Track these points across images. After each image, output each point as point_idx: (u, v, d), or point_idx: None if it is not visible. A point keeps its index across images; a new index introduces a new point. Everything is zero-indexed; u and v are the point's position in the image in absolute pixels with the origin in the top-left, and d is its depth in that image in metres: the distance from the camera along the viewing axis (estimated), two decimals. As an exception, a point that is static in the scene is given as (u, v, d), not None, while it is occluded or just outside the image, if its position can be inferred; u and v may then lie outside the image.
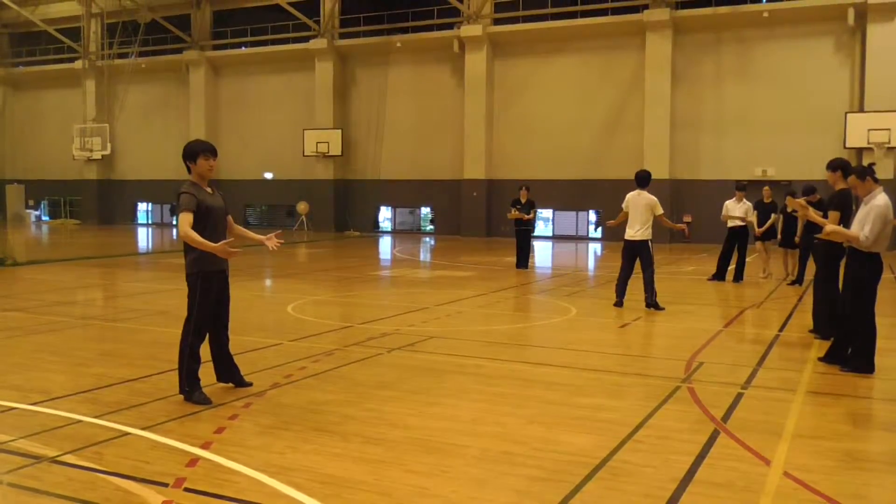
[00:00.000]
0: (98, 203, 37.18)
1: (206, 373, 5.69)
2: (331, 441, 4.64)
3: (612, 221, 11.08)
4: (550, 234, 28.95)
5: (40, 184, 38.19)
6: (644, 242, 10.29)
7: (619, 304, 10.55)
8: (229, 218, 5.77)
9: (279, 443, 4.59)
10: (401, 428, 4.92)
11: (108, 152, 36.52)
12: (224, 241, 5.30)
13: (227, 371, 5.83)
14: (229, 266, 5.70)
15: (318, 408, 5.37)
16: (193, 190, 5.42)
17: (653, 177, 10.95)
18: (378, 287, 13.79)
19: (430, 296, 11.83)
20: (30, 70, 39.42)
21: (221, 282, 5.63)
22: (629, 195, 10.47)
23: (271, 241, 5.66)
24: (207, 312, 5.53)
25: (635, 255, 10.40)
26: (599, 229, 28.29)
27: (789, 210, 13.10)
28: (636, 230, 10.30)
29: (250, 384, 5.86)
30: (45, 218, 38.94)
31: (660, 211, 10.28)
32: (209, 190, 5.56)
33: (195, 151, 5.49)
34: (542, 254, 22.28)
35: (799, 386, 6.17)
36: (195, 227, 5.29)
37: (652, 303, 10.30)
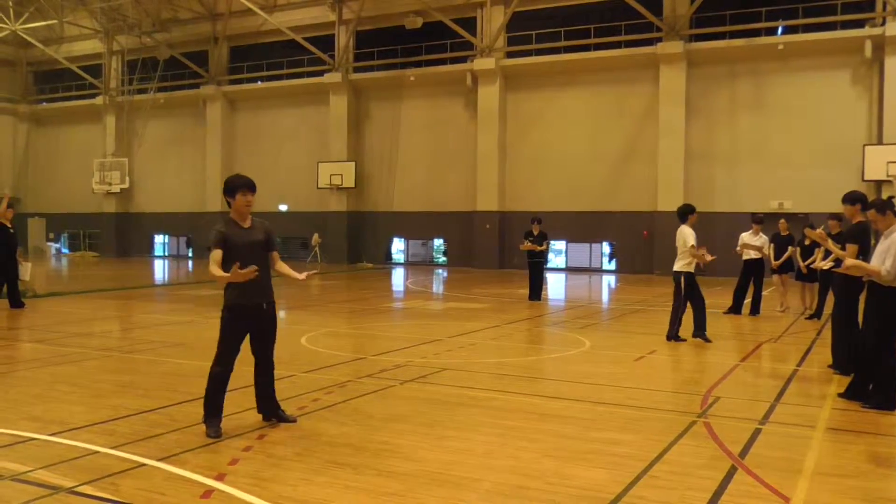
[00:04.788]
0: (116, 236, 37.68)
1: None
2: (343, 474, 4.62)
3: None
4: (564, 265, 28.90)
5: (61, 217, 38.79)
6: (677, 275, 10.33)
7: (671, 336, 10.49)
8: (273, 254, 5.72)
9: (292, 475, 4.58)
10: (413, 461, 4.89)
11: (126, 186, 37.13)
12: (244, 270, 5.13)
13: (266, 406, 5.77)
14: (272, 301, 5.63)
15: (330, 440, 5.36)
16: (224, 227, 5.44)
17: (668, 209, 10.85)
18: (391, 319, 13.79)
19: (443, 328, 11.81)
20: (52, 106, 40.36)
21: (256, 316, 5.54)
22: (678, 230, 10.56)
23: (304, 276, 5.78)
24: (232, 345, 5.47)
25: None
26: (613, 261, 28.22)
27: (807, 242, 13.03)
28: (675, 263, 10.42)
29: (294, 420, 5.80)
30: (64, 251, 39.41)
31: (690, 243, 10.28)
32: (246, 225, 5.54)
33: (234, 187, 5.48)
34: (556, 286, 22.22)
35: (818, 422, 6.07)
36: (225, 262, 5.31)
37: (672, 335, 10.27)
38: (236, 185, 5.47)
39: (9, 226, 13.77)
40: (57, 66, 38.61)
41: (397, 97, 31.28)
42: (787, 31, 25.08)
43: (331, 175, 31.45)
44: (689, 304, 10.42)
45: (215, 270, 5.28)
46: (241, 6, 32.16)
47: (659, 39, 26.15)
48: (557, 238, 27.14)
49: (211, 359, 5.52)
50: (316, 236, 31.90)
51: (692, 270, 10.33)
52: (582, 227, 27.76)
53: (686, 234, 10.26)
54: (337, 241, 31.98)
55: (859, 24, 24.10)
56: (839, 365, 8.10)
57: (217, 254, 5.32)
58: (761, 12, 25.16)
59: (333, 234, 31.98)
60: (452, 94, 30.06)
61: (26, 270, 14.77)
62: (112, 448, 5.07)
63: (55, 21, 36.44)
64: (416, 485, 4.44)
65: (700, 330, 10.37)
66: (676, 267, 10.33)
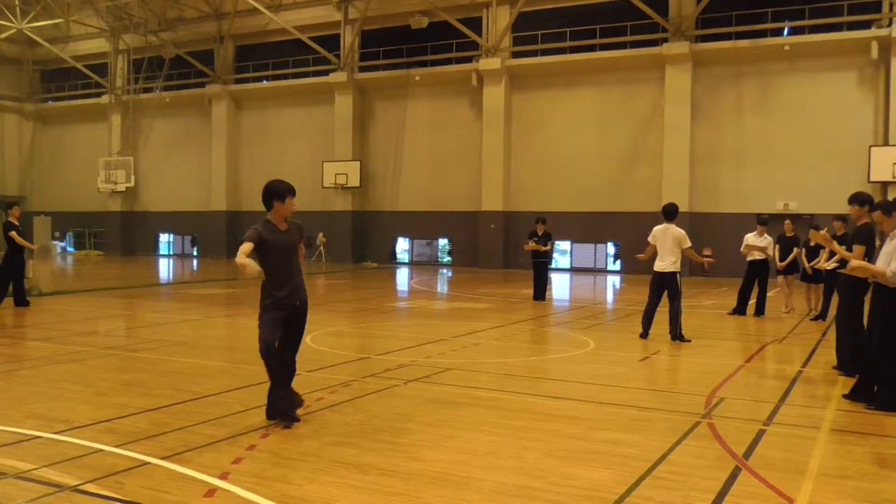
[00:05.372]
0: (121, 234, 37.77)
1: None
2: (347, 473, 4.63)
3: (640, 255, 11.12)
4: (568, 266, 28.87)
5: (66, 216, 38.93)
6: (672, 275, 10.31)
7: (644, 335, 10.56)
8: (300, 246, 6.02)
9: (296, 474, 4.59)
10: (417, 460, 4.90)
11: (131, 184, 37.21)
12: (252, 270, 5.32)
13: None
14: (305, 299, 5.84)
15: (334, 439, 5.37)
16: (261, 227, 5.64)
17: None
18: (395, 318, 13.80)
19: (447, 327, 11.81)
20: (58, 105, 40.48)
21: (290, 311, 5.75)
22: (656, 228, 10.56)
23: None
24: (269, 335, 5.63)
25: (663, 288, 10.43)
26: (618, 262, 28.17)
27: (812, 244, 12.99)
28: (664, 263, 10.34)
29: (298, 419, 5.83)
30: (70, 249, 39.53)
31: (687, 244, 10.30)
32: (283, 227, 5.74)
33: (283, 192, 5.72)
34: (560, 286, 22.20)
35: (823, 423, 6.06)
36: (262, 262, 5.52)
37: (677, 335, 10.27)
38: (283, 191, 5.73)
39: (16, 224, 13.81)
40: (63, 64, 38.71)
41: (402, 97, 31.28)
42: (793, 31, 24.98)
43: (336, 174, 31.48)
44: (659, 303, 10.51)
45: (240, 251, 5.42)
46: (246, 5, 32.21)
47: (665, 40, 26.08)
48: (562, 238, 27.08)
49: (214, 358, 5.55)
50: (321, 235, 31.94)
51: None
52: (587, 227, 27.72)
53: (681, 236, 10.32)
54: (341, 241, 32.01)
55: (866, 25, 23.99)
56: (844, 366, 8.08)
57: (247, 246, 5.51)
58: (767, 13, 25.08)
59: (338, 234, 32.00)
60: (457, 93, 30.04)
61: (29, 267, 14.83)
62: (116, 446, 5.09)
63: (61, 20, 36.54)
64: (420, 484, 4.44)
65: (647, 331, 10.53)
66: (671, 267, 10.32)
